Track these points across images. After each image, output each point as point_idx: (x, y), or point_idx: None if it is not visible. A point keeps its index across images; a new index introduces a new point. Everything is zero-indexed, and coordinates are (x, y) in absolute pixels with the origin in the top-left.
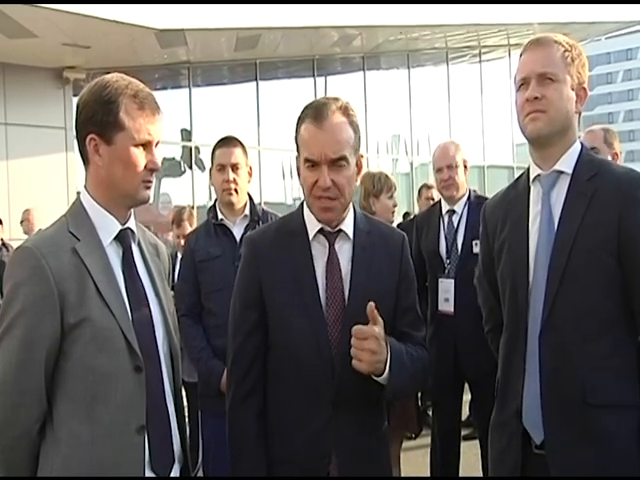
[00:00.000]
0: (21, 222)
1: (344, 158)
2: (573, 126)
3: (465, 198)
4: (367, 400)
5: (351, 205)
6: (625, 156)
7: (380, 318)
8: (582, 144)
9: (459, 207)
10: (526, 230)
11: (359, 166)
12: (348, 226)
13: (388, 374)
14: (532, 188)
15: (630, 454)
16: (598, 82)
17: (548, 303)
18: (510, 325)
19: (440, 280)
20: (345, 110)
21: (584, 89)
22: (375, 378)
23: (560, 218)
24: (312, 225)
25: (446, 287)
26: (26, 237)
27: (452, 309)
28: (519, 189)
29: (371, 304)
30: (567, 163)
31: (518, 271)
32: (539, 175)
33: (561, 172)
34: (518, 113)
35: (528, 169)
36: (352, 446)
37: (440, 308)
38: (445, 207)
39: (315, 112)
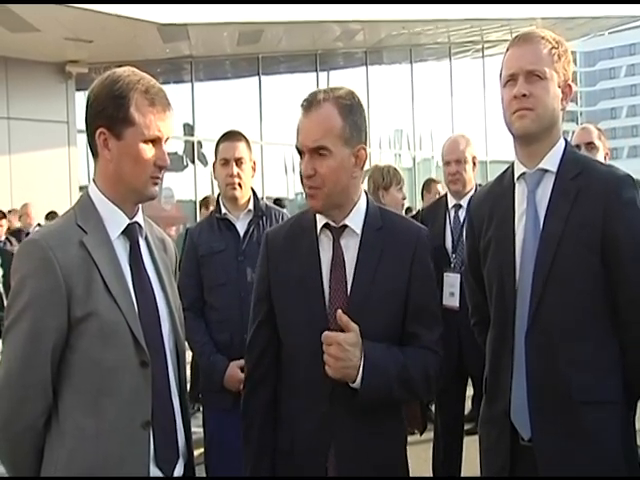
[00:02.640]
0: (19, 217)
1: (324, 148)
2: (558, 123)
3: (472, 193)
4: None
5: (363, 200)
6: (628, 151)
7: (353, 324)
8: (566, 141)
9: (465, 202)
10: (512, 229)
11: (358, 157)
12: (355, 221)
13: (360, 381)
14: (517, 186)
15: (615, 449)
16: (601, 77)
17: (534, 302)
18: (497, 323)
19: (446, 274)
20: (337, 100)
21: (569, 86)
22: (351, 385)
23: (545, 217)
24: (320, 219)
25: (452, 281)
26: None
27: (457, 304)
28: (504, 186)
29: (339, 311)
30: (552, 161)
31: (505, 270)
32: (524, 173)
33: (546, 170)
34: (505, 109)
35: (512, 165)
36: (350, 441)
37: (445, 303)
38: (451, 201)
39: (306, 102)
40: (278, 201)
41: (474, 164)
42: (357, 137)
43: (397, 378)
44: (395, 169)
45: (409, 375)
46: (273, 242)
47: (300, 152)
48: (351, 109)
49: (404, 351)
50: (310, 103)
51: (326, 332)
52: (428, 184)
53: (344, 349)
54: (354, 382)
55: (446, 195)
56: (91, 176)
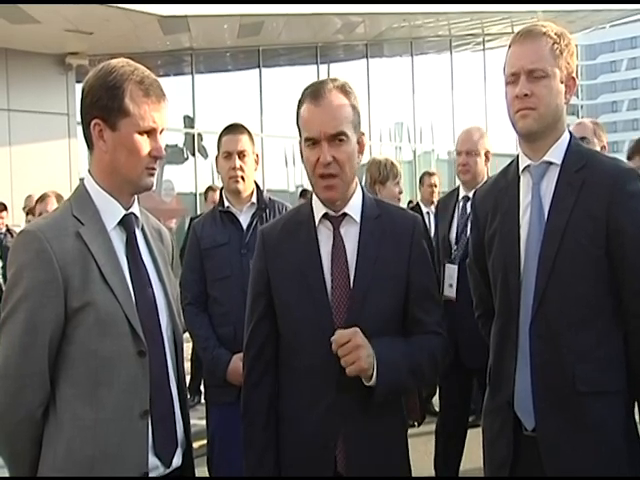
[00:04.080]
0: (24, 208)
1: (343, 133)
2: (562, 117)
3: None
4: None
5: (359, 189)
6: (628, 145)
7: (351, 329)
8: (571, 134)
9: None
10: (517, 221)
11: (361, 144)
12: (354, 210)
13: (375, 379)
14: (522, 178)
15: (618, 439)
16: (602, 70)
17: (538, 294)
18: (502, 314)
19: (447, 266)
20: (342, 88)
21: (573, 79)
22: (366, 384)
23: (550, 209)
24: (318, 210)
25: (451, 273)
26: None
27: (454, 295)
28: (509, 178)
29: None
30: (556, 154)
31: (509, 262)
32: (529, 166)
33: (550, 163)
34: (508, 107)
35: (517, 157)
36: (358, 429)
37: (445, 293)
38: (462, 193)
39: (313, 92)
40: (304, 192)
41: (487, 158)
42: (360, 124)
43: (407, 369)
44: (392, 163)
45: (417, 363)
46: (269, 237)
47: (312, 142)
48: (355, 97)
49: (409, 340)
50: (319, 92)
51: (338, 331)
52: (423, 177)
53: (362, 337)
54: (370, 380)
55: (459, 187)
56: None
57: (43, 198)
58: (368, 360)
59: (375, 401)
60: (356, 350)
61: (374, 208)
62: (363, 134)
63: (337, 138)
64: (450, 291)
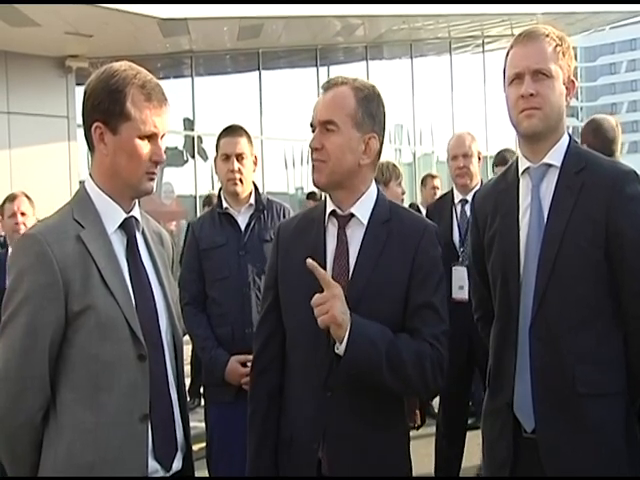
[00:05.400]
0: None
1: (332, 122)
2: (563, 119)
3: (477, 188)
4: (365, 385)
5: (372, 192)
6: (628, 147)
7: (333, 282)
8: (570, 136)
9: (472, 196)
10: (516, 223)
11: (367, 145)
12: (362, 211)
13: (345, 345)
14: (521, 180)
15: (618, 441)
16: (602, 72)
17: (538, 296)
18: (501, 317)
19: (454, 268)
20: (354, 85)
21: (572, 81)
22: (336, 350)
23: (549, 211)
24: (327, 207)
25: (460, 275)
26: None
27: (466, 296)
28: (508, 181)
29: (309, 261)
30: (556, 156)
31: (509, 264)
32: (528, 168)
33: (550, 165)
34: (510, 109)
35: (517, 160)
36: (344, 431)
37: (454, 296)
38: (458, 197)
39: (325, 84)
40: (312, 195)
41: (479, 159)
42: (369, 125)
43: (386, 355)
44: (393, 164)
45: (399, 356)
46: (284, 232)
47: (313, 128)
48: (367, 96)
49: (397, 334)
50: (329, 84)
51: (316, 295)
52: (425, 179)
53: (342, 292)
54: (341, 342)
55: (452, 191)
56: None
57: (13, 198)
58: (343, 315)
59: (341, 371)
60: (332, 299)
61: (385, 212)
62: (374, 137)
63: (326, 126)
64: (461, 293)
